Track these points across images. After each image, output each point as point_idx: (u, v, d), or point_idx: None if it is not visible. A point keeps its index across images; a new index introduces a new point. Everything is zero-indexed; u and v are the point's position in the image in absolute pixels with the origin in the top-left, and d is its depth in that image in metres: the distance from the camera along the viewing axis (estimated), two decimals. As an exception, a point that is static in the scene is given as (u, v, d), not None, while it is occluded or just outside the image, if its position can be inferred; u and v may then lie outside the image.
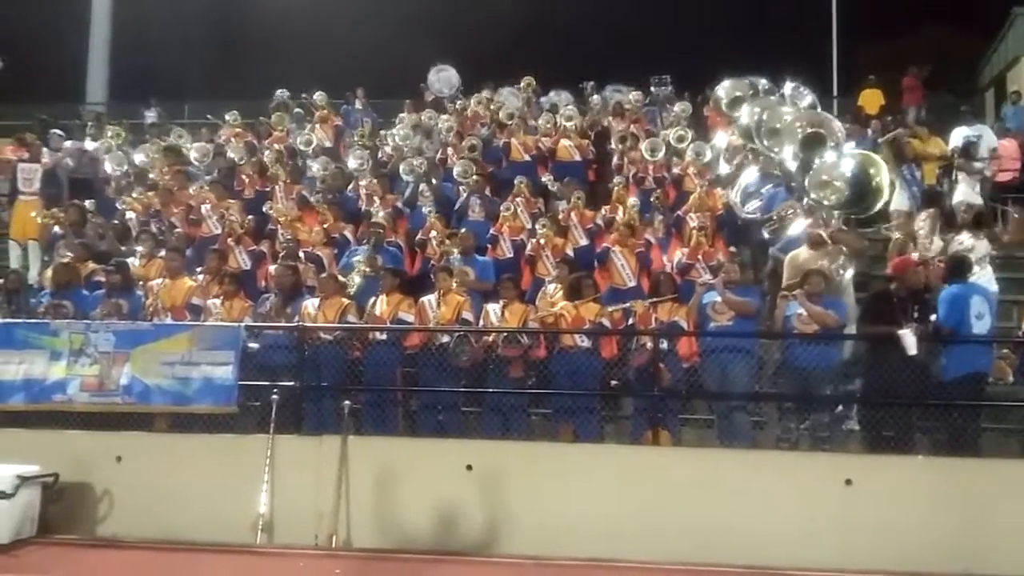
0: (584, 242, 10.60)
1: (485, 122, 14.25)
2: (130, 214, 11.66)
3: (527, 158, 12.73)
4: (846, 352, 8.08)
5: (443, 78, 16.45)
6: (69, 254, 10.04)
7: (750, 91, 9.36)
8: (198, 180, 12.60)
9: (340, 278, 9.32)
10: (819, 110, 9.09)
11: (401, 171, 12.24)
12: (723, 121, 12.04)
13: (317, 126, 14.91)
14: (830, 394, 7.87)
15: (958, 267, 8.08)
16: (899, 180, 11.47)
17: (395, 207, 11.40)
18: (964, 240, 9.54)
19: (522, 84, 15.81)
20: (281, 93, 16.60)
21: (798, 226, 8.86)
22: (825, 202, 8.16)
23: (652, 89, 15.64)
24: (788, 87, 9.76)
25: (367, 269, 9.56)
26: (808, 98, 9.71)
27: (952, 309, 7.61)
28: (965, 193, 11.67)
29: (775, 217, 9.82)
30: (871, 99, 17.07)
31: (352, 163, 12.65)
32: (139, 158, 13.65)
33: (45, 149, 13.78)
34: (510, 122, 13.27)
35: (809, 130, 8.38)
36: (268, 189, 12.07)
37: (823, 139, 8.35)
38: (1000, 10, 22.08)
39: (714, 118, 12.86)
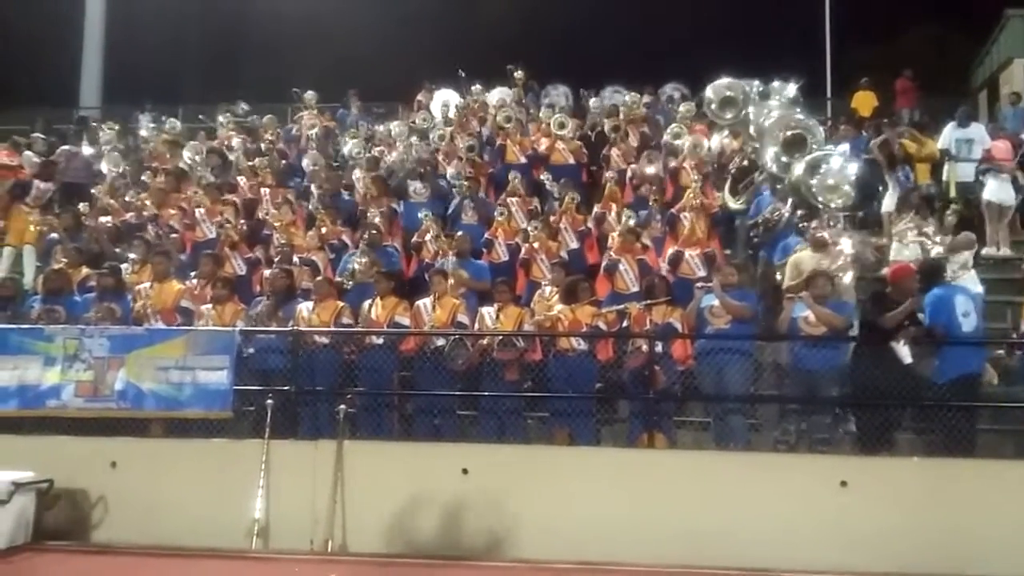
0: (574, 245, 10.63)
1: (484, 118, 14.26)
2: (104, 218, 11.62)
3: (523, 160, 12.75)
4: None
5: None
6: (64, 260, 10.03)
7: (740, 94, 9.36)
8: (191, 182, 12.62)
9: (337, 279, 9.34)
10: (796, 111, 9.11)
11: (391, 163, 12.24)
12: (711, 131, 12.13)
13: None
14: (828, 396, 7.84)
15: (932, 272, 8.15)
16: (892, 182, 11.50)
17: (390, 207, 11.40)
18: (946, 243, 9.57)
19: (516, 76, 15.75)
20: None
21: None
22: (832, 205, 8.23)
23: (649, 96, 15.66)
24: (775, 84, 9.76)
25: (361, 264, 9.54)
26: (790, 88, 9.72)
27: (938, 310, 7.63)
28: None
29: (760, 220, 9.87)
30: (864, 101, 17.10)
31: (347, 149, 12.59)
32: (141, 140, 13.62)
33: (27, 154, 13.78)
34: (508, 125, 13.29)
35: (790, 133, 8.43)
36: (260, 193, 12.09)
37: (804, 140, 8.42)
38: (992, 12, 22.16)
39: (701, 131, 12.90)
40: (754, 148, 9.49)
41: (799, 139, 8.45)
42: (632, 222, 10.27)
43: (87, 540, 7.55)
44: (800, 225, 9.22)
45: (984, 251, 11.23)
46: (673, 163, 11.92)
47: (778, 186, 9.21)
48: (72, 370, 7.98)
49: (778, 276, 9.07)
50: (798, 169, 8.46)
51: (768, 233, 9.71)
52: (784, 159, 8.55)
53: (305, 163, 12.79)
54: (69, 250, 10.25)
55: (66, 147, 14.44)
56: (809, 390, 7.74)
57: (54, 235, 11.24)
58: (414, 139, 13.71)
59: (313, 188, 12.42)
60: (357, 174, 12.15)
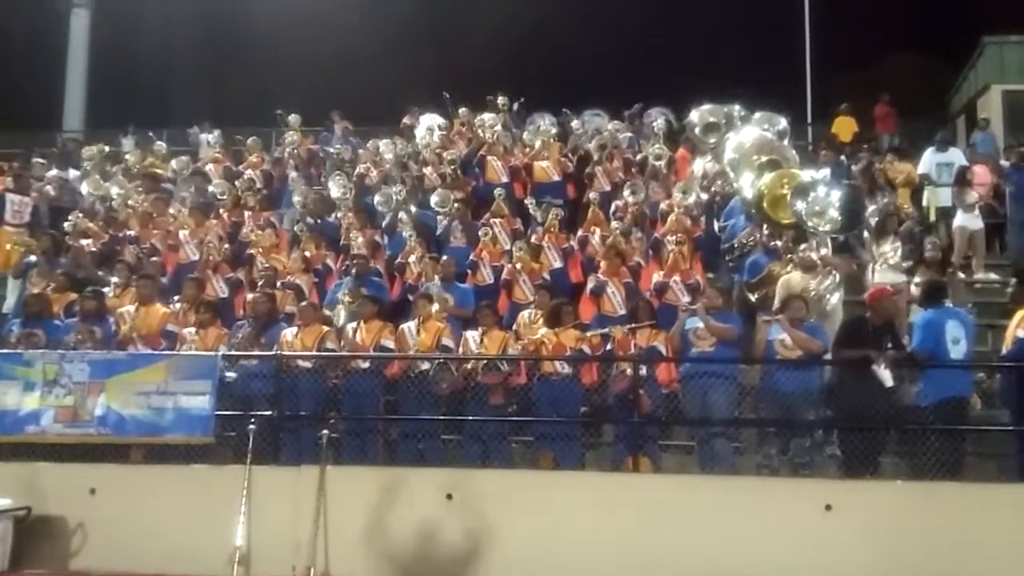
0: (558, 264, 10.63)
1: (469, 137, 14.29)
2: (86, 241, 11.53)
3: (504, 179, 12.75)
4: (826, 377, 8.11)
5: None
6: (43, 282, 9.93)
7: (723, 118, 9.46)
8: (175, 205, 12.56)
9: (327, 312, 9.29)
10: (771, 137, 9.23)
11: (376, 202, 12.23)
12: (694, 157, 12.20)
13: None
14: (810, 419, 7.86)
15: (935, 292, 8.13)
16: (872, 207, 11.62)
17: (373, 241, 11.37)
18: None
19: (498, 102, 15.81)
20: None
21: None
22: (821, 228, 8.32)
23: (626, 116, 15.78)
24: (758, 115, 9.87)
25: (349, 300, 9.50)
26: (781, 123, 9.84)
27: (927, 334, 7.65)
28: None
29: (735, 245, 9.94)
30: (845, 127, 17.26)
31: (335, 192, 12.62)
32: (114, 191, 13.55)
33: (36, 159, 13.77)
34: (491, 138, 13.31)
35: (765, 159, 8.53)
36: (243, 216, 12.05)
37: (780, 166, 8.51)
38: (970, 39, 22.52)
39: (683, 160, 12.98)
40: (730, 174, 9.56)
41: (774, 164, 8.52)
42: (619, 233, 10.33)
43: (65, 568, 7.44)
44: (771, 244, 9.32)
45: (965, 275, 11.35)
46: (663, 204, 11.81)
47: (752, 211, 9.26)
48: (52, 395, 7.89)
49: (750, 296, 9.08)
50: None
51: (742, 258, 9.80)
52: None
53: (296, 199, 12.76)
54: (54, 275, 10.14)
55: (55, 172, 14.39)
56: (785, 413, 7.75)
57: (32, 258, 11.12)
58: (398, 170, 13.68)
59: (298, 211, 12.38)
60: (340, 213, 12.13)
